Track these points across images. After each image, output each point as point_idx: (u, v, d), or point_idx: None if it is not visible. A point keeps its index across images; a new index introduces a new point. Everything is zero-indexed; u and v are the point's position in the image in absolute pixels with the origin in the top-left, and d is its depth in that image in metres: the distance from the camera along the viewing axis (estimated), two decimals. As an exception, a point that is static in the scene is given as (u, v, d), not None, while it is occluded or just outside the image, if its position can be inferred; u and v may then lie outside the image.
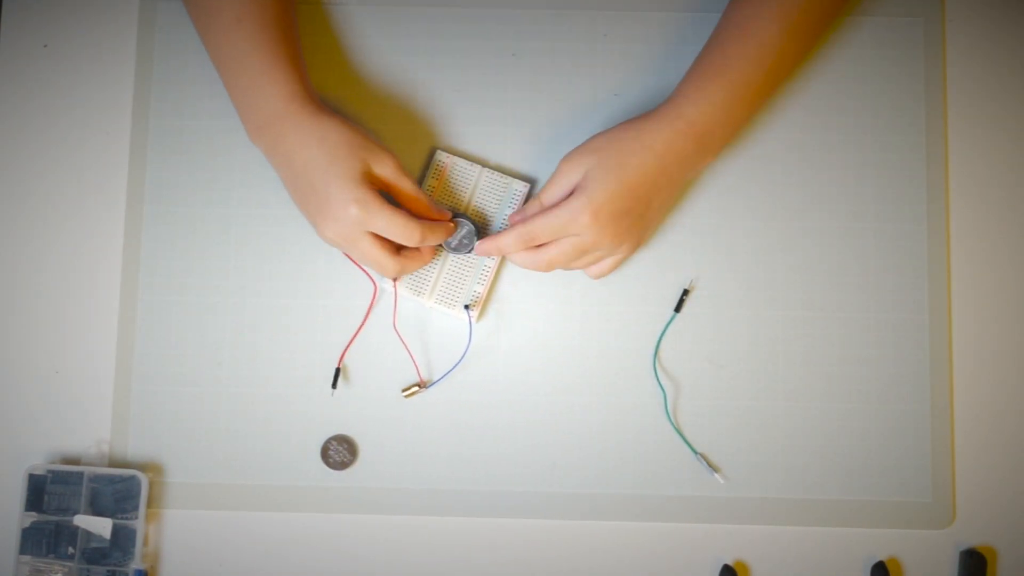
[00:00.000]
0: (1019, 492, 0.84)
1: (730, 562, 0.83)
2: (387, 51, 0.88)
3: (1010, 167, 0.87)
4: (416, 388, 0.84)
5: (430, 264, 0.84)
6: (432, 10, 0.88)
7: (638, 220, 0.80)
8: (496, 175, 0.85)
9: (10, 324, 0.85)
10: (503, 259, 0.85)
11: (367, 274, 0.84)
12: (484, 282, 0.84)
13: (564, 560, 0.83)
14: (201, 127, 0.86)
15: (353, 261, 0.83)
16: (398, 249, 0.80)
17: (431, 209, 0.81)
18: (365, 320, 0.84)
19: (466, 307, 0.83)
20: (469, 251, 0.83)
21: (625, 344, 0.85)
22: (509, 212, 0.85)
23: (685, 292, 0.85)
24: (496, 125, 0.87)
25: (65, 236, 0.86)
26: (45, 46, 0.88)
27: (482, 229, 0.84)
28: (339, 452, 0.83)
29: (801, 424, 0.84)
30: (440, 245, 0.83)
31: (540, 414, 0.84)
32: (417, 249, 0.81)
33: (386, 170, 0.79)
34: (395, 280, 0.83)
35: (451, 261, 0.84)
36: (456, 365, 0.84)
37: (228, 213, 0.86)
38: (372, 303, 0.84)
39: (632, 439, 0.84)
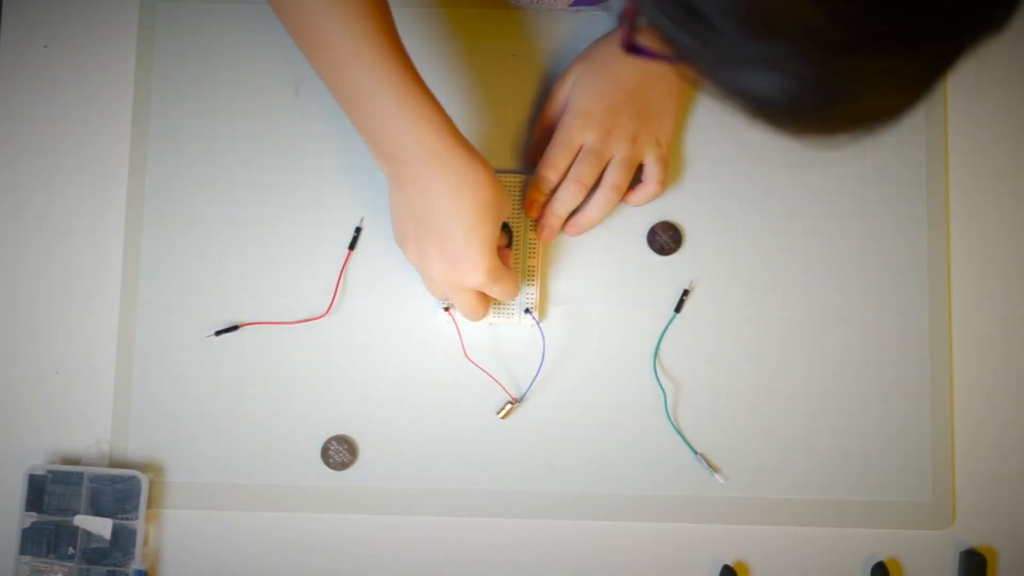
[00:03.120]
0: (1019, 492, 0.84)
1: (730, 562, 0.83)
2: (387, 51, 0.88)
3: (1010, 167, 0.87)
4: (509, 406, 0.83)
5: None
6: (431, 10, 0.88)
7: (641, 114, 0.81)
8: (500, 177, 0.84)
9: (10, 324, 0.85)
10: (544, 255, 0.84)
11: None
12: (534, 282, 0.84)
13: (564, 560, 0.83)
14: (201, 127, 0.85)
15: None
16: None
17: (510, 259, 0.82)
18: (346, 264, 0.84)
19: (527, 311, 0.83)
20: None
21: (625, 344, 0.85)
22: (521, 203, 0.84)
23: (685, 292, 0.85)
24: (496, 125, 0.87)
25: (65, 236, 0.86)
26: (45, 46, 0.88)
27: (511, 232, 0.84)
28: (339, 452, 0.83)
29: (801, 424, 0.84)
30: None
31: (540, 414, 0.84)
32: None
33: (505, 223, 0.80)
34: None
35: None
36: (540, 370, 0.84)
37: (228, 213, 0.86)
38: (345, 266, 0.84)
39: (632, 439, 0.84)
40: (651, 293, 0.85)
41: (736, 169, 0.86)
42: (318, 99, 0.87)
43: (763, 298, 0.85)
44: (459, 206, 0.73)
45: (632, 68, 0.81)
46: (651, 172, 0.83)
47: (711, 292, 0.85)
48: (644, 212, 0.85)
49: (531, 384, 0.84)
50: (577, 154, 0.82)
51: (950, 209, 0.86)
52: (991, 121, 0.87)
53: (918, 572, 0.83)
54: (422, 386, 0.84)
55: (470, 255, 0.74)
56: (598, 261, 0.85)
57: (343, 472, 0.83)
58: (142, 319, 0.85)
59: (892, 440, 0.84)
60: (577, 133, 0.82)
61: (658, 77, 0.81)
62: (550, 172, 0.82)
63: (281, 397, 0.84)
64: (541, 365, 0.84)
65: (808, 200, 0.86)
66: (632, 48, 0.52)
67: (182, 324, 0.85)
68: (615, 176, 0.82)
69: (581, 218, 0.83)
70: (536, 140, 0.85)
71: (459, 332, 0.83)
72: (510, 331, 0.84)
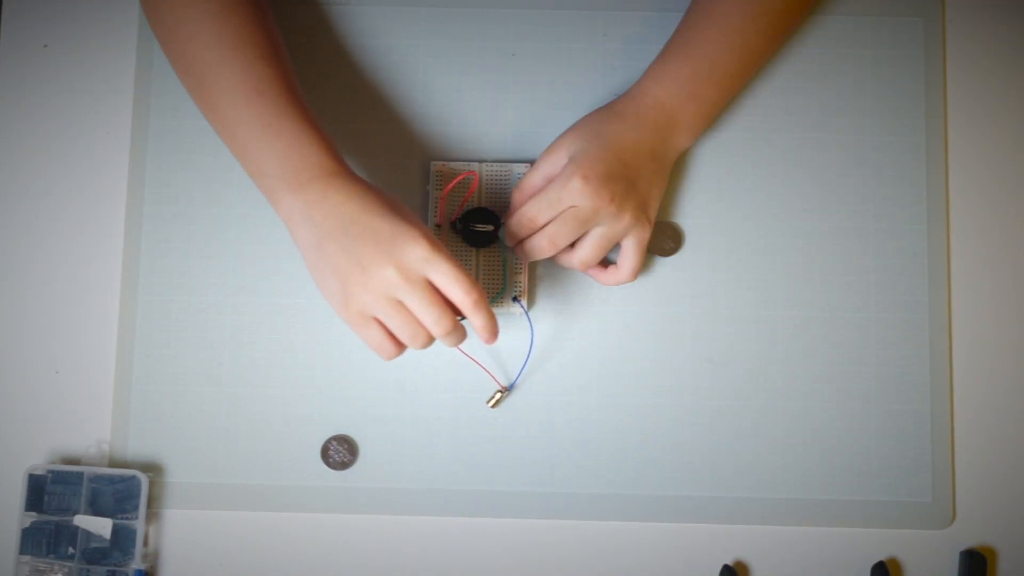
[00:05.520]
0: (1019, 492, 0.84)
1: (730, 562, 0.83)
2: (386, 51, 0.88)
3: (1010, 167, 0.87)
4: (499, 395, 0.83)
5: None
6: (432, 10, 0.88)
7: (631, 188, 0.80)
8: (496, 166, 0.85)
9: (10, 324, 0.85)
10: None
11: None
12: (522, 269, 0.83)
13: (564, 560, 0.83)
14: (201, 127, 0.85)
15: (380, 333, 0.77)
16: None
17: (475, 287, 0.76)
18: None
19: (515, 299, 0.83)
20: (491, 241, 0.83)
21: (624, 344, 0.85)
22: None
23: (686, 294, 0.85)
24: (496, 125, 0.87)
25: (65, 236, 0.86)
26: (45, 46, 0.88)
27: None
28: (339, 452, 0.83)
29: (801, 424, 0.84)
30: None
31: (540, 414, 0.84)
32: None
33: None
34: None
35: (482, 264, 0.84)
36: (528, 359, 0.84)
37: (228, 213, 0.86)
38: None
39: (632, 439, 0.84)
40: (651, 293, 0.85)
41: (736, 170, 0.86)
42: (317, 98, 0.87)
43: (763, 298, 0.85)
44: (370, 201, 0.75)
45: (624, 139, 0.80)
46: (627, 259, 0.81)
47: (711, 292, 0.85)
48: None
49: (520, 372, 0.84)
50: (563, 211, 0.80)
51: (950, 209, 0.86)
52: (991, 121, 0.87)
53: (918, 572, 0.83)
54: (422, 386, 0.84)
55: (402, 229, 0.74)
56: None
57: (343, 472, 0.83)
58: (142, 319, 0.85)
59: (892, 440, 0.84)
60: (572, 193, 0.78)
61: (647, 157, 0.81)
62: (529, 221, 0.80)
63: (281, 397, 0.84)
64: (530, 352, 0.84)
65: (808, 201, 0.86)
66: None
67: (182, 324, 0.85)
68: (586, 254, 0.80)
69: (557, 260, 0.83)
70: (524, 186, 0.82)
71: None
72: (502, 320, 0.84)
